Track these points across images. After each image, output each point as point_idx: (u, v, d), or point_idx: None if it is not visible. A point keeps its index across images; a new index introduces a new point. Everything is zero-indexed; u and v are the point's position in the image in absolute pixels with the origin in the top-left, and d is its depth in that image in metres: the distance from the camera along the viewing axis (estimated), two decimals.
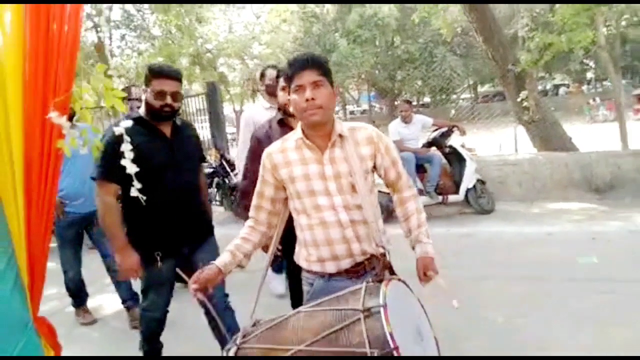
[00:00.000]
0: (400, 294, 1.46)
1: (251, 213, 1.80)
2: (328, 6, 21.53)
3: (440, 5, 9.19)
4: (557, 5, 6.63)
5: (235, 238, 1.77)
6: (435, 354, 1.49)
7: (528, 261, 4.01)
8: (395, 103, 22.53)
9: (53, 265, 3.01)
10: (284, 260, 2.39)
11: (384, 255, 1.58)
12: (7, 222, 1.61)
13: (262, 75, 3.57)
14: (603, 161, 5.93)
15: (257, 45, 22.43)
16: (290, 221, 1.80)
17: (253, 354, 1.43)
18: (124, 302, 3.56)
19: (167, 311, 2.48)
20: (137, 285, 2.72)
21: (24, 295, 1.70)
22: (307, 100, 1.56)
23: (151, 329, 2.49)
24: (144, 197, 1.77)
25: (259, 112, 3.46)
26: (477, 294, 3.30)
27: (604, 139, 9.33)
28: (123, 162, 1.62)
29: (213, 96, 7.89)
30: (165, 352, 2.57)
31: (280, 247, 2.22)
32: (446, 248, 4.27)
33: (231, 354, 1.46)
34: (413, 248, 1.74)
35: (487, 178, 6.06)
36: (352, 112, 32.46)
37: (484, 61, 9.83)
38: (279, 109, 2.51)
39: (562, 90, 32.15)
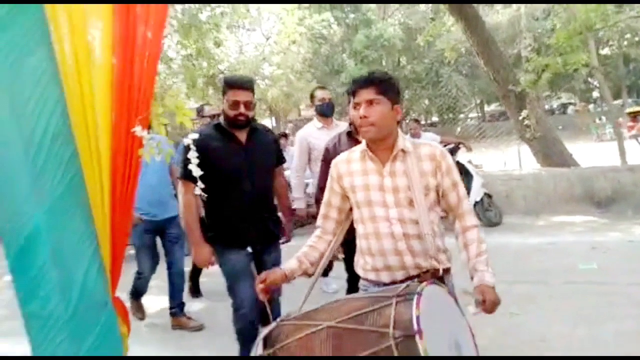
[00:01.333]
0: (443, 301, 1.47)
1: (318, 222, 1.87)
2: (335, 27, 22.18)
3: (444, 28, 9.65)
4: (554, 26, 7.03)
5: (303, 246, 1.84)
6: None
7: (532, 267, 4.32)
8: (404, 122, 23.02)
9: None
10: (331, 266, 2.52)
11: (437, 270, 1.63)
12: (95, 220, 1.99)
13: (312, 96, 3.76)
14: (602, 176, 6.24)
15: (267, 66, 23.11)
16: (353, 229, 1.86)
17: (289, 327, 1.51)
18: (172, 307, 3.66)
19: (257, 312, 2.42)
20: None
21: (105, 278, 2.05)
22: (360, 117, 1.65)
23: (245, 331, 2.48)
24: (205, 195, 2.10)
25: (312, 131, 3.62)
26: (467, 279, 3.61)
27: (609, 157, 9.67)
28: (190, 166, 1.97)
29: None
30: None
31: (342, 254, 2.43)
32: (456, 257, 4.57)
33: (270, 327, 1.55)
34: (472, 278, 1.68)
35: (494, 192, 6.37)
36: None
37: (489, 81, 10.30)
38: (350, 124, 2.73)
39: (570, 109, 32.46)
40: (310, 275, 1.80)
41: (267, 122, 22.35)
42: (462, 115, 23.55)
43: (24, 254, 1.85)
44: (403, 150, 1.69)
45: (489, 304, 1.56)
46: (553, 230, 5.60)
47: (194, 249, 2.50)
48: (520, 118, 7.25)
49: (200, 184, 2.06)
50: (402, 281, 1.62)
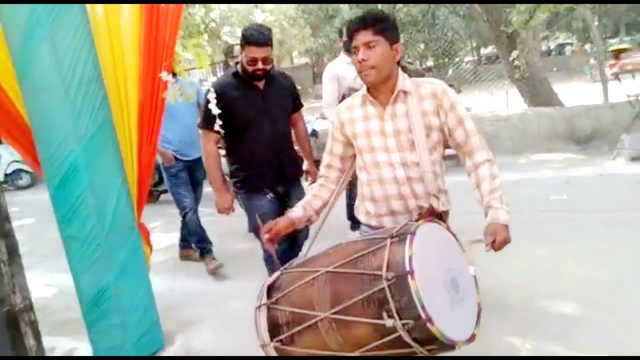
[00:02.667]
0: (441, 238, 1.48)
1: (321, 171, 1.85)
2: None
3: None
4: None
5: (307, 194, 1.87)
6: (472, 316, 1.43)
7: (509, 200, 4.71)
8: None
9: None
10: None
11: (433, 210, 1.58)
12: (123, 155, 2.33)
13: (341, 31, 3.86)
14: (585, 114, 6.54)
15: (259, 13, 22.64)
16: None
17: (290, 275, 1.55)
18: (197, 246, 3.68)
19: (295, 243, 2.57)
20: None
21: (132, 206, 2.43)
22: (360, 61, 1.59)
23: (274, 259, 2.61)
24: (224, 142, 2.33)
25: (342, 66, 3.64)
26: (462, 224, 4.01)
27: (597, 96, 9.90)
28: (209, 110, 2.25)
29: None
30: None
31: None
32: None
33: (274, 277, 1.58)
34: (486, 216, 1.61)
35: (482, 133, 6.61)
36: None
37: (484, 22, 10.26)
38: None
39: (567, 49, 31.98)
40: (312, 222, 1.82)
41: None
42: (457, 59, 23.39)
43: (64, 184, 2.21)
44: (404, 91, 1.64)
45: (498, 242, 1.51)
46: (533, 166, 5.98)
47: (217, 196, 2.58)
48: (511, 59, 7.44)
49: (218, 121, 2.22)
50: None
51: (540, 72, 8.09)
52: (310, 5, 21.34)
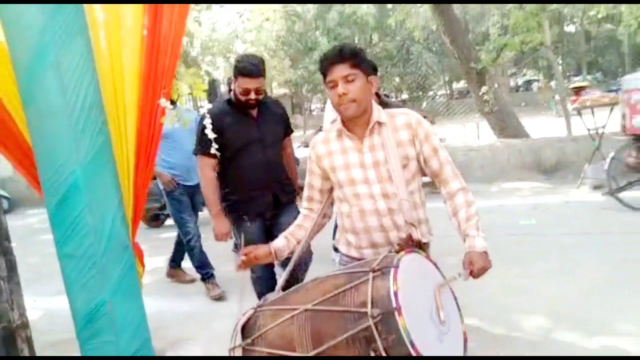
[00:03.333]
0: (423, 269, 1.44)
1: (303, 204, 1.86)
2: (309, 5, 22.33)
3: (414, 9, 10.12)
4: (511, 8, 7.62)
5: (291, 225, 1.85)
6: (459, 347, 1.40)
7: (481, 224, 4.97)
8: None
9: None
10: None
11: (412, 239, 1.57)
12: (120, 177, 2.45)
13: None
14: (550, 146, 6.95)
15: (240, 44, 23.15)
16: None
17: (266, 314, 1.47)
18: (199, 272, 3.72)
19: (273, 272, 2.63)
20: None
21: (127, 226, 2.53)
22: (339, 95, 1.58)
23: (263, 292, 2.55)
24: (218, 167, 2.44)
25: None
26: (438, 246, 4.23)
27: (562, 129, 10.48)
28: (205, 136, 2.39)
29: (213, 94, 8.68)
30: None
31: None
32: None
33: (247, 315, 1.52)
34: (465, 242, 1.63)
35: (455, 162, 6.92)
36: None
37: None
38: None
39: (535, 85, 33.55)
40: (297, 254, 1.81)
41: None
42: (430, 93, 24.26)
43: (64, 204, 2.29)
44: (379, 122, 1.65)
45: (476, 270, 1.53)
46: (503, 194, 6.30)
47: (214, 221, 2.60)
48: (480, 94, 7.89)
49: (214, 145, 2.35)
50: None
51: (508, 107, 8.58)
52: (290, 38, 21.97)
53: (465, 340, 1.42)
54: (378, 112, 1.67)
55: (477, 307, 3.02)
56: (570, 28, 26.57)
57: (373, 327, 1.20)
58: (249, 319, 1.50)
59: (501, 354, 2.53)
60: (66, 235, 2.35)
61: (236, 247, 3.42)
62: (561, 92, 7.63)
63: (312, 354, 1.28)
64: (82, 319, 2.42)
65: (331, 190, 1.80)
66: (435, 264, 1.51)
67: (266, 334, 1.41)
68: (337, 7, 20.73)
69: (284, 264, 2.38)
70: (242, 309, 1.72)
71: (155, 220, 6.32)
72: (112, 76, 2.37)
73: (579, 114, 6.16)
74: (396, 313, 1.18)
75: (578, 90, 5.81)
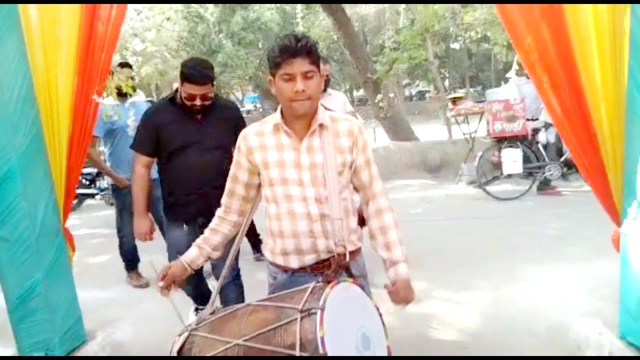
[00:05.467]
0: (349, 298, 1.44)
1: (223, 199, 1.74)
2: (211, 7, 22.22)
3: (317, 20, 10.83)
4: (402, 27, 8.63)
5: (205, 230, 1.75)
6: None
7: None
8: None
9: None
10: None
11: (343, 255, 1.51)
12: (51, 167, 2.61)
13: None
14: (434, 148, 8.00)
15: (138, 42, 22.28)
16: None
17: (200, 341, 1.49)
18: (124, 260, 3.86)
19: (200, 275, 2.65)
20: None
21: (59, 211, 2.69)
22: (297, 91, 1.47)
23: (190, 294, 2.70)
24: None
25: (325, 98, 3.54)
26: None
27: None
28: (142, 127, 2.48)
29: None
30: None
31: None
32: None
33: (182, 338, 1.52)
34: (386, 267, 1.65)
35: None
36: None
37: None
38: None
39: (427, 95, 36.53)
40: (214, 259, 1.75)
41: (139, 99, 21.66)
42: None
43: (0, 190, 2.42)
44: (321, 125, 1.56)
45: (402, 301, 1.57)
46: (396, 190, 7.13)
47: (135, 220, 2.57)
48: (376, 101, 8.76)
49: (149, 142, 2.42)
50: (312, 267, 1.59)
51: (400, 113, 9.63)
52: (192, 39, 21.65)
53: (389, 351, 1.48)
54: (322, 114, 1.58)
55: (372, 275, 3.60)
56: (455, 45, 29.52)
57: None
58: (184, 343, 1.51)
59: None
60: (1, 220, 2.48)
61: (128, 261, 3.77)
62: (442, 102, 8.77)
63: None
64: (15, 300, 2.56)
65: (259, 186, 1.69)
66: (361, 285, 1.52)
67: None
68: (241, 11, 20.92)
69: (217, 274, 2.46)
70: (171, 298, 1.61)
71: None
72: (45, 72, 2.55)
73: (456, 120, 7.23)
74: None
75: (455, 100, 6.84)
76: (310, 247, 1.58)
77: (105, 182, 7.19)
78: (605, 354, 2.37)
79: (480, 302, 3.14)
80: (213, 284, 2.72)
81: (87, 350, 2.72)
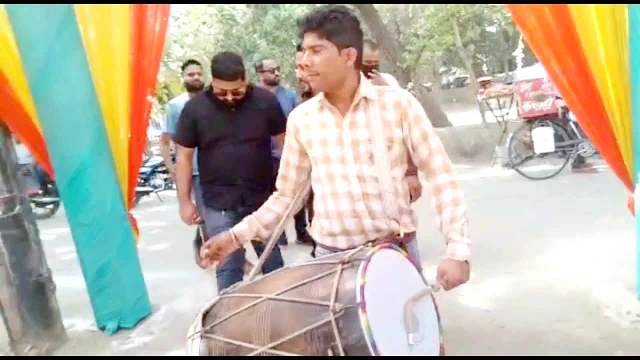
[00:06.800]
0: (401, 268, 1.33)
1: (277, 184, 1.72)
2: (242, 8, 22.75)
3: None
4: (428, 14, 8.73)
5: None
6: (432, 354, 1.29)
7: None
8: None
9: None
10: None
11: (397, 234, 1.45)
12: (115, 160, 3.01)
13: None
14: (468, 133, 8.06)
15: (177, 48, 23.18)
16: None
17: (230, 301, 1.40)
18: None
19: (239, 269, 2.60)
20: None
21: (123, 200, 3.09)
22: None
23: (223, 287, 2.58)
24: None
25: None
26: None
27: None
28: (182, 120, 2.66)
29: None
30: None
31: None
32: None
33: (212, 301, 1.44)
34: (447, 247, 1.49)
35: None
36: None
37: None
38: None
39: (466, 83, 35.76)
40: (263, 238, 1.69)
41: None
42: None
43: (74, 181, 2.85)
44: (366, 98, 1.49)
45: (451, 283, 1.41)
46: None
47: (180, 206, 2.70)
48: (407, 90, 8.89)
49: (189, 135, 2.54)
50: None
51: (434, 101, 9.70)
52: (229, 41, 22.31)
53: (442, 353, 1.31)
54: (366, 87, 1.50)
55: None
56: (491, 28, 28.79)
57: (333, 322, 1.10)
58: (212, 306, 1.42)
59: None
60: (77, 208, 2.91)
61: (197, 243, 3.91)
62: (476, 87, 8.82)
63: (267, 347, 1.20)
64: (92, 275, 2.99)
65: (310, 169, 1.63)
66: (417, 265, 1.40)
67: (226, 322, 1.32)
68: (272, 10, 21.34)
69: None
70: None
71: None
72: (104, 79, 2.96)
73: (487, 104, 7.28)
74: (360, 309, 1.08)
75: (484, 84, 6.90)
76: (356, 228, 1.51)
77: (158, 180, 7.73)
78: (624, 314, 2.51)
79: (508, 271, 3.31)
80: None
81: (153, 320, 3.12)
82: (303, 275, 1.28)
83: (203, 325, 1.36)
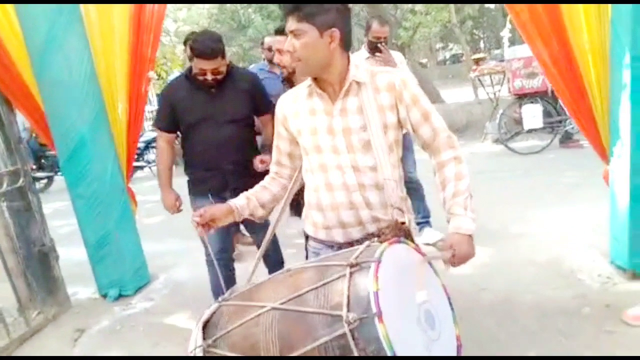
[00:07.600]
0: (411, 262, 1.25)
1: (272, 168, 1.64)
2: None
3: None
4: None
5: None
6: (451, 355, 1.21)
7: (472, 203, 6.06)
8: None
9: None
10: None
11: (402, 223, 1.37)
12: (114, 135, 3.11)
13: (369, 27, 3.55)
14: (460, 109, 8.15)
15: (170, 22, 22.85)
16: None
17: (230, 310, 1.31)
18: None
19: (228, 257, 2.57)
20: None
21: (122, 173, 3.20)
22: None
23: (216, 273, 2.24)
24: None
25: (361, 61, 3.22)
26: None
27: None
28: (160, 104, 2.66)
29: None
30: None
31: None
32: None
33: (211, 310, 1.34)
34: (448, 222, 1.40)
35: None
36: None
37: None
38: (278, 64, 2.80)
39: (462, 59, 35.53)
40: (258, 217, 1.61)
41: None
42: None
43: (75, 155, 2.96)
44: (357, 82, 1.40)
45: (458, 258, 1.31)
46: (421, 151, 7.39)
47: (162, 193, 2.54)
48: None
49: (167, 119, 2.42)
50: (359, 241, 1.40)
51: (427, 77, 9.74)
52: (223, 16, 22.00)
53: (460, 347, 1.24)
54: (355, 70, 1.40)
55: None
56: (490, 5, 28.51)
57: (349, 335, 1.02)
58: (211, 315, 1.33)
59: None
60: (77, 180, 3.03)
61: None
62: (468, 62, 8.85)
63: None
64: (92, 246, 3.12)
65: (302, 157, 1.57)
66: (425, 254, 1.31)
67: (229, 334, 1.23)
68: None
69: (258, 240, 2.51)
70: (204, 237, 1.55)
71: None
72: (104, 56, 3.03)
73: (480, 81, 7.36)
74: (376, 319, 1.00)
75: (477, 61, 6.96)
76: (354, 220, 1.43)
77: (152, 155, 7.80)
78: (595, 276, 2.70)
79: (491, 240, 3.47)
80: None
81: (152, 287, 3.28)
82: (308, 279, 1.19)
83: (204, 338, 1.27)
